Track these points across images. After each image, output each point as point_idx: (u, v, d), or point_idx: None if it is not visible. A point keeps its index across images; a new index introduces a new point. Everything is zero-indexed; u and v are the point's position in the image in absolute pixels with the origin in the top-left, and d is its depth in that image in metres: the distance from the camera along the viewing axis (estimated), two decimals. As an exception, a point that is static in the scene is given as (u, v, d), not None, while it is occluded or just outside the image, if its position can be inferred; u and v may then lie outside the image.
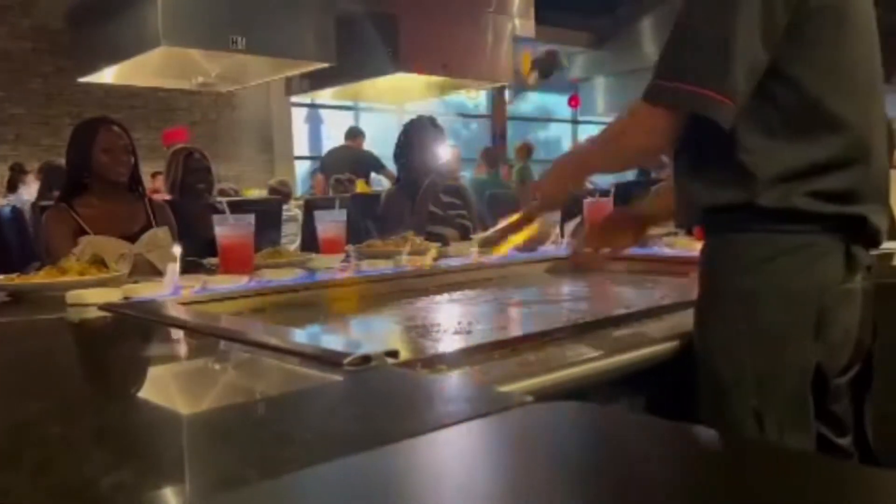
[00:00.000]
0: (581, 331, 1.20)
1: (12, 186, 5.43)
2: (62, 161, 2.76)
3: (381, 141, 8.23)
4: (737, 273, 1.16)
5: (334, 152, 7.11)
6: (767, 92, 1.12)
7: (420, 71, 3.84)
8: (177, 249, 1.66)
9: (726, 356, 1.14)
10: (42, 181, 4.74)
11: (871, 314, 1.23)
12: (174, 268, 1.60)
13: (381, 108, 8.23)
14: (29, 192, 5.21)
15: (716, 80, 1.08)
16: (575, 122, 11.64)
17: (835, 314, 1.14)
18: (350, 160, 6.64)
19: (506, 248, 1.77)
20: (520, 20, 4.23)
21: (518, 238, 1.69)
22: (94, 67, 3.88)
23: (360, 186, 5.84)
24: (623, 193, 2.85)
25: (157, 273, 2.08)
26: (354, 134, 7.13)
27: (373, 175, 6.83)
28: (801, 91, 1.12)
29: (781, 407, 1.13)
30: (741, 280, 1.15)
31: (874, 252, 1.23)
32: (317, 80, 4.20)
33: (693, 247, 2.07)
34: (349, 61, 3.78)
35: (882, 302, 1.26)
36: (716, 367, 1.15)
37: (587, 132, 11.99)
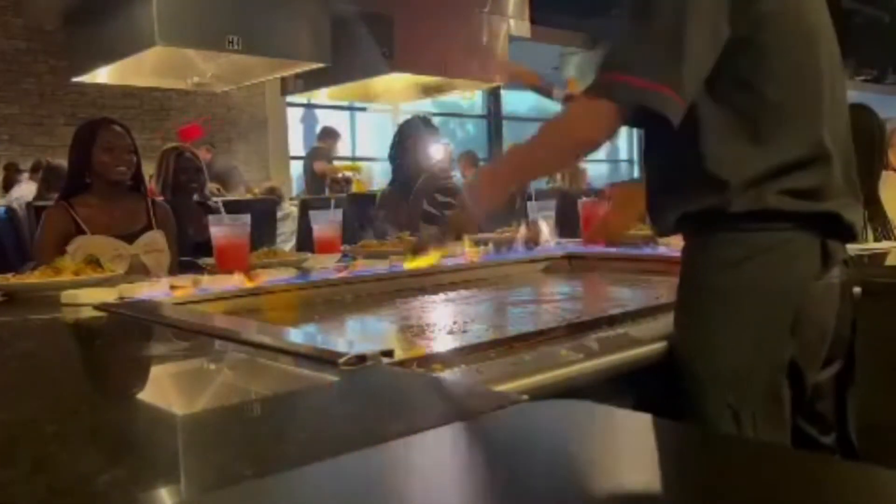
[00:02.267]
0: (576, 330, 1.20)
1: (7, 186, 5.41)
2: (61, 161, 2.76)
3: (376, 141, 8.24)
4: (713, 272, 1.17)
5: (309, 154, 7.19)
6: (728, 100, 1.13)
7: (415, 71, 3.84)
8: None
9: (704, 354, 1.15)
10: (41, 181, 4.72)
11: (850, 309, 1.24)
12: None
13: (376, 108, 8.23)
14: (20, 191, 5.19)
15: (667, 76, 1.09)
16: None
17: (811, 309, 1.15)
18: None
19: (431, 260, 1.75)
20: (515, 20, 4.23)
21: (430, 258, 1.68)
22: (88, 67, 3.86)
23: (356, 186, 5.84)
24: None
25: (152, 275, 2.08)
26: (325, 135, 7.17)
27: (373, 173, 6.87)
28: (760, 97, 1.13)
29: (757, 403, 1.13)
30: (718, 278, 1.16)
31: (858, 250, 1.24)
32: (312, 80, 4.19)
33: (687, 246, 2.07)
34: (344, 61, 3.77)
35: (872, 300, 1.27)
36: (693, 365, 1.15)
37: (582, 132, 12.00)
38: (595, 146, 1.22)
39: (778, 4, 1.13)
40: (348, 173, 6.52)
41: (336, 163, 7.12)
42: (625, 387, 1.09)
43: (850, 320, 1.25)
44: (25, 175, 5.42)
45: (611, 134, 1.17)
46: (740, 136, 1.13)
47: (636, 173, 10.51)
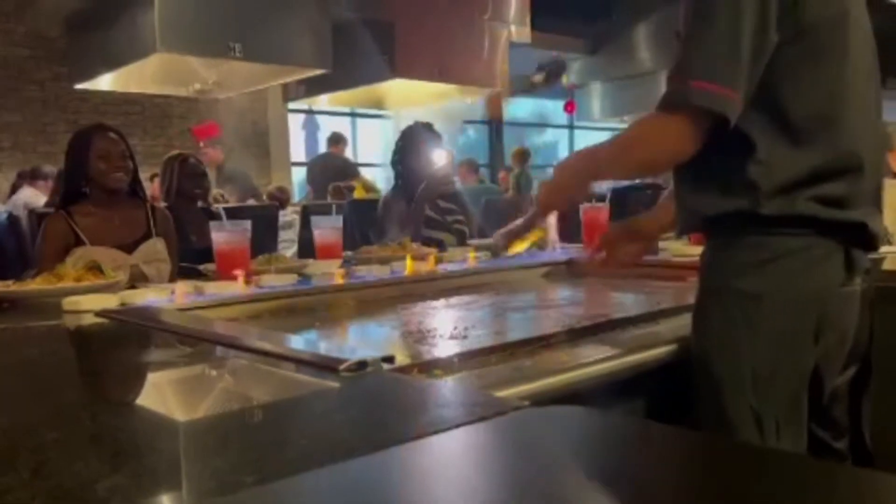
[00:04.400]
0: (577, 335, 1.20)
1: (16, 192, 5.42)
2: None
3: (378, 147, 8.25)
4: (738, 275, 1.17)
5: (318, 160, 7.17)
6: (763, 105, 1.14)
7: (416, 77, 3.85)
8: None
9: (726, 357, 1.15)
10: (53, 188, 4.71)
11: (868, 316, 1.24)
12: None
13: (378, 114, 8.24)
14: (21, 196, 5.19)
15: (730, 79, 1.09)
16: (571, 127, 11.65)
17: (834, 317, 1.16)
18: (332, 167, 6.70)
19: (514, 251, 1.75)
20: (516, 27, 4.24)
21: (524, 243, 1.68)
22: (90, 74, 3.87)
23: (358, 192, 5.84)
24: (619, 199, 2.86)
25: (152, 283, 2.08)
26: (334, 140, 7.17)
27: (377, 178, 6.88)
28: (794, 104, 1.14)
29: (780, 408, 1.14)
30: (742, 282, 1.16)
31: (873, 255, 1.24)
32: (314, 87, 4.20)
33: (687, 252, 2.07)
34: (346, 68, 3.78)
35: (882, 305, 1.27)
36: (715, 368, 1.15)
37: (583, 137, 12.01)
38: (678, 158, 1.20)
39: (819, 16, 1.13)
40: (353, 183, 6.53)
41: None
42: (627, 392, 1.09)
43: (867, 328, 1.25)
44: (26, 182, 5.43)
45: (693, 145, 1.15)
46: (775, 142, 1.14)
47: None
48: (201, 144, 6.01)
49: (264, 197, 5.97)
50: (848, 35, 1.17)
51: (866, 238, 1.18)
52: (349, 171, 6.85)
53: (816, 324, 1.14)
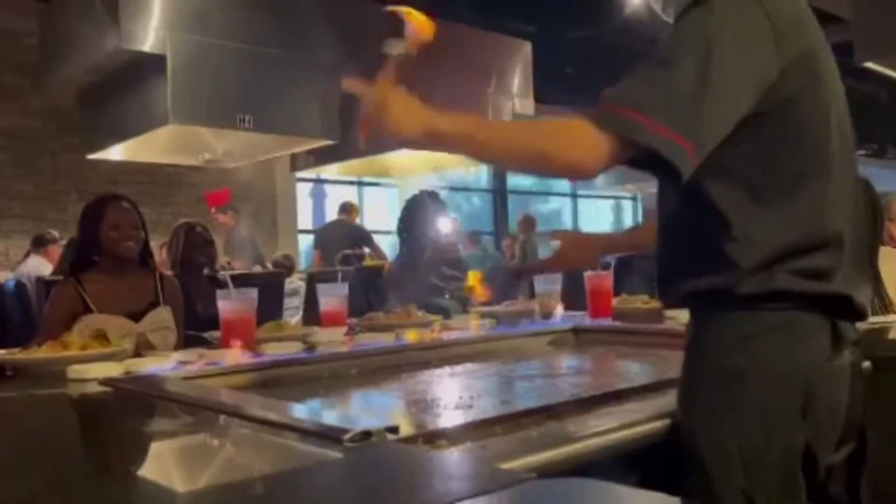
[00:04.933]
0: (584, 405, 1.19)
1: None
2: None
3: (384, 214, 8.32)
4: (720, 351, 1.14)
5: (328, 227, 7.21)
6: (738, 179, 1.12)
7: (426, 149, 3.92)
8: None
9: (711, 436, 1.11)
10: (62, 255, 4.75)
11: (861, 390, 1.21)
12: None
13: (384, 183, 8.35)
14: (29, 265, 5.23)
15: (685, 128, 1.04)
16: (574, 195, 11.77)
17: (822, 392, 1.12)
18: (344, 235, 6.73)
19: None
20: (519, 99, 4.34)
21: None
22: (102, 144, 3.95)
23: (367, 260, 5.88)
24: (624, 267, 2.87)
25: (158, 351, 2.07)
26: (347, 208, 7.24)
27: (382, 245, 6.92)
28: (770, 177, 1.12)
29: (771, 488, 1.09)
30: (725, 358, 1.13)
31: (863, 325, 1.22)
32: (322, 156, 4.27)
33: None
34: (353, 138, 3.85)
35: (878, 375, 1.25)
36: (701, 447, 1.11)
37: (587, 205, 12.12)
38: (580, 175, 1.13)
39: (795, 85, 1.11)
40: (365, 249, 6.57)
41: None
42: (635, 464, 1.07)
43: (861, 402, 1.21)
44: (33, 250, 5.47)
45: (603, 168, 1.07)
46: (751, 218, 1.12)
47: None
48: (213, 210, 6.09)
49: (269, 265, 6.01)
50: (829, 107, 1.16)
51: (853, 310, 1.15)
52: (359, 238, 6.88)
53: (803, 400, 1.10)
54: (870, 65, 3.93)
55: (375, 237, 7.04)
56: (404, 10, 1.23)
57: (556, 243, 1.80)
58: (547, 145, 1.10)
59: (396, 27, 1.21)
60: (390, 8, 1.21)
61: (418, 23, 1.23)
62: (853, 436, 1.21)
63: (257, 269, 5.71)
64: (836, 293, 1.12)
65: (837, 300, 1.13)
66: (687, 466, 1.13)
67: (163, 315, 2.38)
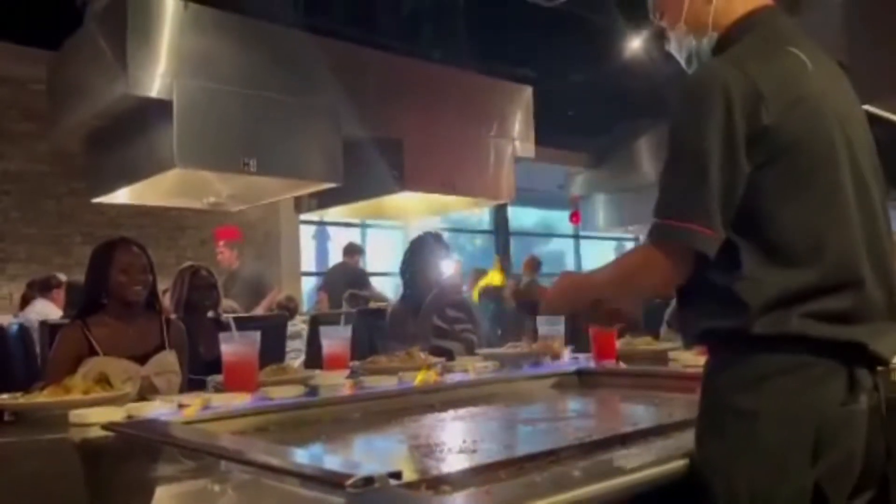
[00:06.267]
0: (588, 450, 1.18)
1: (25, 303, 5.46)
2: (79, 278, 2.77)
3: (387, 256, 8.34)
4: (735, 391, 1.15)
5: (334, 269, 7.30)
6: (755, 225, 1.15)
7: (424, 190, 3.96)
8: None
9: (723, 475, 1.12)
10: (66, 299, 4.76)
11: (881, 436, 1.19)
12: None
13: (387, 225, 8.39)
14: (35, 309, 5.24)
15: (695, 214, 1.13)
16: (577, 237, 11.80)
17: (835, 436, 1.11)
18: (347, 276, 6.80)
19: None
20: (520, 142, 4.40)
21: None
22: (107, 189, 3.99)
23: (372, 302, 5.89)
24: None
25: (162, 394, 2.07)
26: (349, 250, 7.29)
27: (385, 287, 6.97)
28: (779, 223, 1.14)
29: None
30: (739, 398, 1.14)
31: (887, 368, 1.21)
32: (325, 199, 4.31)
33: (698, 362, 2.06)
34: (356, 181, 3.90)
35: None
36: (712, 487, 1.12)
37: (589, 247, 12.13)
38: (664, 290, 1.32)
39: (791, 134, 1.15)
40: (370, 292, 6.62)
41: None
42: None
43: (881, 447, 1.19)
44: (39, 294, 5.48)
45: (676, 278, 1.21)
46: (761, 261, 1.14)
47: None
48: (220, 244, 6.13)
49: (273, 308, 6.00)
50: (835, 150, 1.18)
51: (870, 357, 1.15)
52: (363, 280, 6.95)
53: (815, 443, 1.10)
54: (867, 108, 3.97)
55: (379, 279, 7.07)
56: None
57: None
58: (642, 281, 1.28)
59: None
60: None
61: None
62: (873, 482, 1.19)
63: (258, 310, 5.70)
64: (851, 341, 1.12)
65: (854, 347, 1.13)
66: (698, 502, 1.13)
67: (168, 359, 2.37)
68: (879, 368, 1.20)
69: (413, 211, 4.64)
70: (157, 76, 3.21)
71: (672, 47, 1.39)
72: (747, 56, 1.19)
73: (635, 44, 6.35)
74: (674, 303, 1.62)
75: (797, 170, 1.15)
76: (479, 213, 9.52)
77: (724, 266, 1.15)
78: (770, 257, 1.14)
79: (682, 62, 1.38)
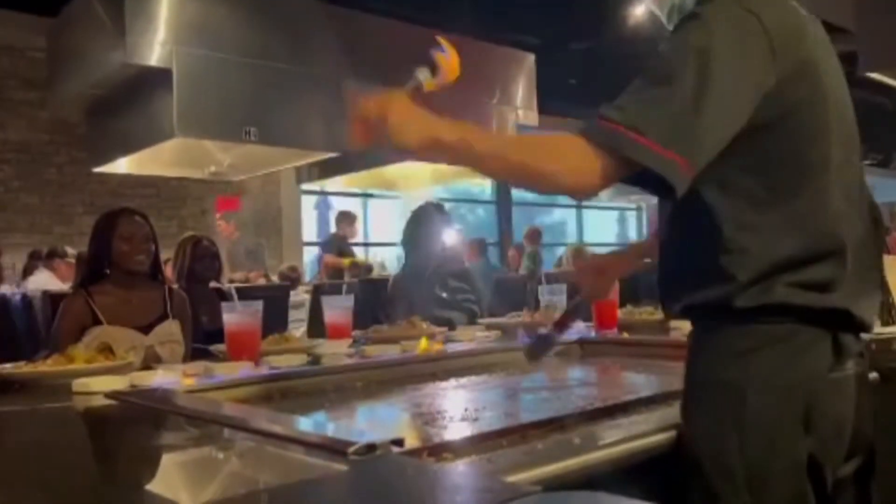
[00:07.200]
0: (590, 417, 1.19)
1: (27, 273, 5.47)
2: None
3: (389, 226, 8.34)
4: (720, 364, 1.13)
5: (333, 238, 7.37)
6: (736, 189, 1.11)
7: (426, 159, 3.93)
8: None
9: (714, 452, 1.10)
10: (76, 270, 4.77)
11: (869, 401, 1.19)
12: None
13: (388, 195, 8.38)
14: (37, 279, 5.25)
15: (680, 144, 1.03)
16: (579, 206, 11.78)
17: (825, 404, 1.10)
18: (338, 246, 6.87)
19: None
20: (523, 110, 4.36)
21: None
22: (108, 158, 3.97)
23: (376, 272, 5.92)
24: (631, 282, 2.86)
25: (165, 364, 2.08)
26: (339, 219, 7.33)
27: (387, 257, 6.99)
28: (768, 188, 1.11)
29: (778, 503, 1.08)
30: (724, 372, 1.12)
31: (870, 336, 1.21)
32: (326, 169, 4.29)
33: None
34: (357, 150, 3.87)
35: (887, 386, 1.24)
36: (704, 463, 1.10)
37: (591, 217, 12.11)
38: (577, 195, 1.11)
39: (798, 98, 1.11)
40: (367, 262, 6.64)
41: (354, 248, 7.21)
42: (642, 476, 1.07)
43: (869, 413, 1.19)
44: (41, 263, 5.49)
45: (599, 188, 1.07)
46: (747, 230, 1.11)
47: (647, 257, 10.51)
48: (218, 215, 6.14)
49: (274, 277, 6.01)
50: (829, 116, 1.15)
51: (854, 323, 1.14)
52: (347, 250, 7.01)
53: (805, 413, 1.08)
54: (873, 75, 3.93)
55: (380, 249, 7.09)
56: (443, 52, 1.22)
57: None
58: (541, 162, 1.08)
59: (428, 56, 1.22)
60: (438, 37, 1.22)
61: (449, 67, 1.23)
62: (862, 448, 1.19)
63: (261, 280, 5.71)
64: (834, 307, 1.11)
65: (837, 314, 1.11)
66: (691, 482, 1.12)
67: (171, 328, 2.39)
68: (863, 336, 1.19)
69: (414, 180, 4.63)
70: (156, 44, 3.18)
71: (651, 2, 1.28)
72: (755, 2, 1.10)
73: (638, 11, 6.28)
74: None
75: (795, 134, 1.11)
76: (482, 184, 9.50)
77: (705, 236, 1.12)
78: (755, 226, 1.11)
79: (663, 18, 1.27)
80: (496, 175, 1.26)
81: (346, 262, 6.36)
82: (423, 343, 2.01)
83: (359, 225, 7.64)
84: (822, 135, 1.14)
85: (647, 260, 1.63)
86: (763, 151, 1.11)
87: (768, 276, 1.10)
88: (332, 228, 7.85)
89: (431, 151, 1.13)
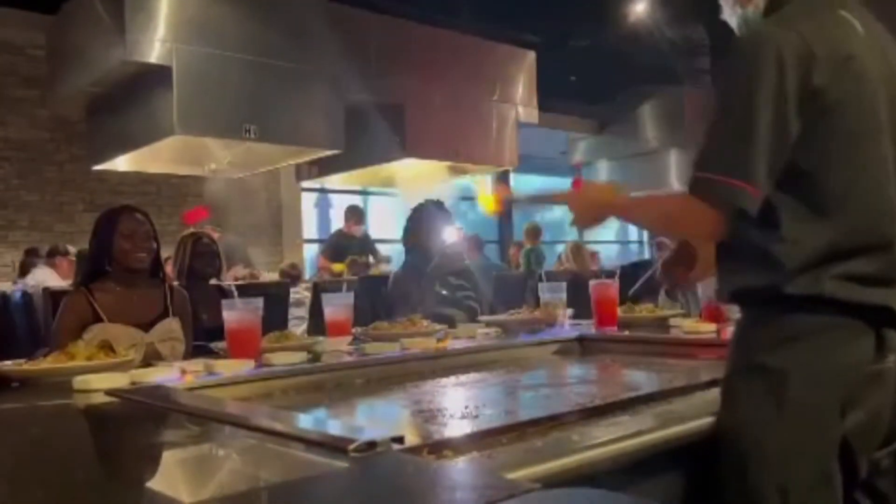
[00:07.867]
0: (589, 415, 1.19)
1: (25, 271, 5.47)
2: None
3: (389, 223, 8.33)
4: (764, 351, 1.18)
5: (334, 235, 7.30)
6: (788, 185, 1.17)
7: (427, 157, 3.94)
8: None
9: (751, 432, 1.15)
10: (77, 268, 4.76)
11: None
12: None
13: (389, 192, 8.38)
14: (37, 276, 5.25)
15: (739, 170, 1.15)
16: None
17: (863, 394, 1.15)
18: (347, 242, 6.81)
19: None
20: (523, 108, 4.36)
21: None
22: (108, 156, 3.97)
23: (374, 269, 5.90)
24: (629, 276, 2.87)
25: (166, 361, 2.08)
26: (346, 216, 7.28)
27: (386, 255, 6.96)
28: (819, 184, 1.17)
29: (807, 484, 1.12)
30: (768, 358, 1.17)
31: None
32: (326, 166, 4.29)
33: (699, 329, 2.06)
34: (358, 148, 3.88)
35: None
36: (740, 444, 1.15)
37: (592, 214, 12.08)
38: (701, 240, 1.45)
39: (839, 95, 1.17)
40: (369, 260, 6.60)
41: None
42: (641, 474, 1.07)
43: None
44: (41, 260, 5.49)
45: (715, 231, 1.24)
46: (800, 220, 1.17)
47: (646, 254, 10.53)
48: (192, 227, 6.11)
49: (264, 272, 5.99)
50: (878, 111, 1.20)
51: None
52: (369, 246, 6.96)
53: (843, 400, 1.14)
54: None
55: (381, 246, 7.07)
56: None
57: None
58: (679, 230, 1.47)
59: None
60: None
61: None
62: None
63: (245, 272, 5.68)
64: (880, 304, 1.15)
65: (881, 310, 1.16)
66: (722, 466, 1.16)
67: (171, 325, 2.39)
68: None
69: (414, 178, 4.63)
70: (156, 42, 3.18)
71: (724, 14, 1.41)
72: (799, 17, 1.21)
73: (639, 9, 6.27)
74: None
75: (842, 130, 1.17)
76: (482, 181, 9.50)
77: (763, 225, 1.18)
78: (808, 218, 1.16)
79: (735, 28, 1.40)
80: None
81: (336, 268, 6.34)
82: (419, 342, 2.01)
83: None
84: (872, 131, 1.20)
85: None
86: (814, 150, 1.17)
87: (816, 266, 1.15)
88: (333, 226, 7.82)
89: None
